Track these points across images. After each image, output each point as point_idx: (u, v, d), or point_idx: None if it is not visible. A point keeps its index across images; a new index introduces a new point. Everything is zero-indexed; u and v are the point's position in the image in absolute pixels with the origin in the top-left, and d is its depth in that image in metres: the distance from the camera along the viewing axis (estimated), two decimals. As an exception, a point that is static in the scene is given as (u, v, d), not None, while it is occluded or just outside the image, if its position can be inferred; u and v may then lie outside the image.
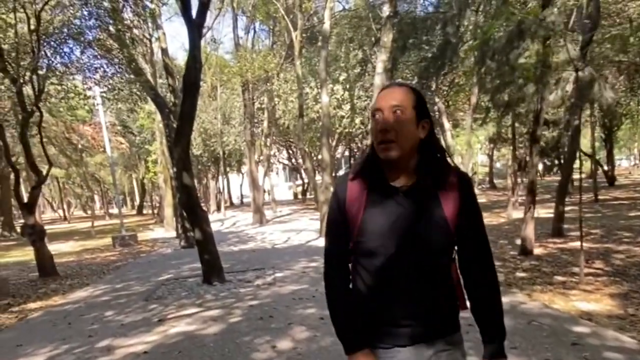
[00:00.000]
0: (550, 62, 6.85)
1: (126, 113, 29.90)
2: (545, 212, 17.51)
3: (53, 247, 18.71)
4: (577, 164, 10.29)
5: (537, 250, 9.01)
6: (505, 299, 5.65)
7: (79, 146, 23.38)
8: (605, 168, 28.62)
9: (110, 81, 12.43)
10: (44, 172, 11.19)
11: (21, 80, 10.16)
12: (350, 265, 1.64)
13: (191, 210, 8.14)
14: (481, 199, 25.20)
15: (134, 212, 49.52)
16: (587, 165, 35.49)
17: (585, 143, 27.71)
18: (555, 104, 7.30)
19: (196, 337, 5.06)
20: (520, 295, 5.90)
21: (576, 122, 8.61)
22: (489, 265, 1.59)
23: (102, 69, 12.35)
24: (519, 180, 21.75)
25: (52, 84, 11.95)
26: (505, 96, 8.11)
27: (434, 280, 1.51)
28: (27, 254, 16.89)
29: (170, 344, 4.92)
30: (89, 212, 53.17)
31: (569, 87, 6.77)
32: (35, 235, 10.18)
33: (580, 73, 6.46)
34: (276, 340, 4.72)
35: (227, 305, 6.40)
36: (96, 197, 60.09)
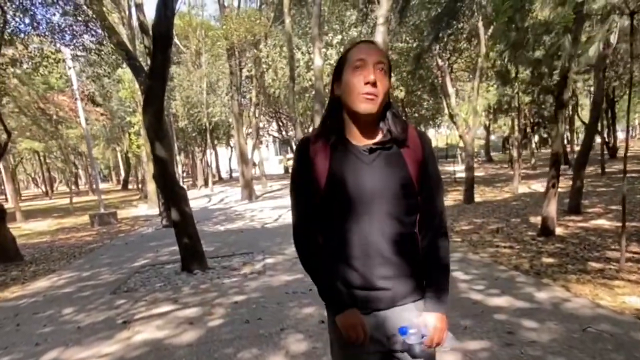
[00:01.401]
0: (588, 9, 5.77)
1: (108, 82, 28.45)
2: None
3: (29, 226, 17.76)
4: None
5: (558, 230, 8.04)
6: (542, 295, 4.67)
7: (55, 117, 21.87)
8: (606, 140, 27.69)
9: (79, 40, 11.11)
10: (6, 144, 9.96)
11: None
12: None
13: (166, 187, 7.02)
14: (479, 173, 24.32)
15: (119, 187, 48.18)
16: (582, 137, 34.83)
17: (584, 114, 26.86)
18: (591, 60, 6.18)
19: (165, 349, 4.02)
20: (557, 288, 4.91)
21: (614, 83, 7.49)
22: (442, 221, 1.62)
23: (71, 27, 11.04)
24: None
25: (9, 44, 10.65)
26: (534, 52, 7.02)
27: (404, 240, 1.53)
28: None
29: (131, 358, 3.89)
30: (73, 187, 51.85)
31: (613, 38, 5.68)
32: (-6, 216, 9.06)
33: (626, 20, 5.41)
34: (266, 355, 3.70)
35: (207, 302, 5.37)
36: (81, 172, 58.44)
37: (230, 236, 10.40)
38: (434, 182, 1.59)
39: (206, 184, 32.80)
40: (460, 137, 14.18)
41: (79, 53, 12.21)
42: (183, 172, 49.13)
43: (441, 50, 14.06)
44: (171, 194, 6.98)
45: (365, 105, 1.45)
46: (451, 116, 14.35)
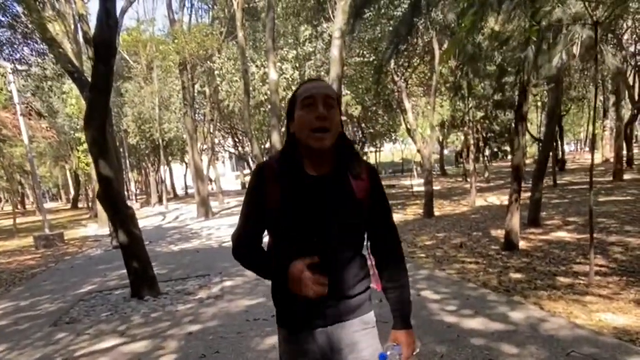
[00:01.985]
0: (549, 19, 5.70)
1: (55, 98, 27.26)
2: (504, 198, 16.81)
3: (-34, 250, 16.54)
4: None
5: (522, 244, 7.95)
6: (517, 315, 4.37)
7: (-5, 135, 20.72)
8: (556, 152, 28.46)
9: (19, 54, 10.44)
10: None
11: None
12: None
13: (112, 207, 6.46)
14: (435, 186, 24.37)
15: (69, 205, 46.19)
16: (532, 150, 35.82)
17: (532, 128, 27.59)
18: (552, 72, 6.12)
19: (109, 392, 3.55)
20: (531, 307, 4.71)
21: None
22: (397, 243, 1.75)
23: (9, 40, 10.36)
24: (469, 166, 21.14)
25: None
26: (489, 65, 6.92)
27: (351, 261, 1.62)
28: None
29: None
30: (20, 207, 49.41)
31: (576, 49, 5.60)
32: None
33: (587, 31, 5.34)
34: (224, 396, 3.29)
35: (158, 333, 4.89)
36: (29, 191, 55.82)
37: (185, 257, 9.86)
38: (384, 208, 1.71)
39: (160, 201, 31.81)
40: (418, 151, 14.15)
41: (19, 67, 11.45)
42: (136, 189, 47.70)
43: (396, 67, 13.99)
44: (117, 214, 6.44)
45: (317, 142, 1.52)
46: (408, 131, 14.31)
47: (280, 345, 1.71)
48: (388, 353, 1.59)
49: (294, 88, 16.82)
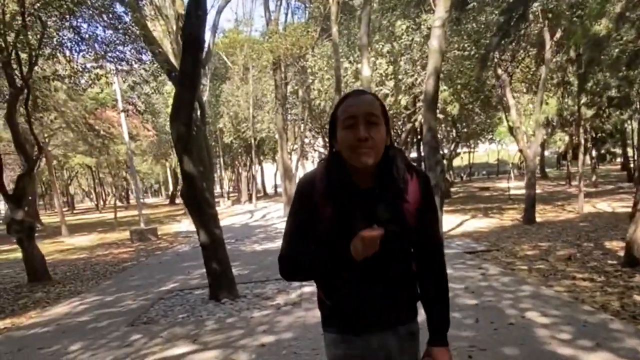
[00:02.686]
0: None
1: (157, 98, 28.56)
2: (616, 205, 15.18)
3: (73, 240, 17.63)
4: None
5: (645, 260, 6.84)
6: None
7: (102, 133, 21.91)
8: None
9: (117, 53, 10.74)
10: (37, 158, 9.58)
11: (8, 51, 8.58)
12: None
13: (194, 206, 6.26)
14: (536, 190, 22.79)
15: (168, 201, 48.59)
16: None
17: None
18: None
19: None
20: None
21: None
22: (441, 258, 1.70)
23: (108, 39, 10.69)
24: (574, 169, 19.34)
25: (49, 57, 10.36)
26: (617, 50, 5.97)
27: (398, 270, 1.59)
28: (42, 248, 15.64)
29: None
30: (124, 202, 52.77)
31: None
32: (23, 233, 8.63)
33: None
34: None
35: (230, 342, 4.55)
36: (133, 187, 59.59)
37: (267, 257, 9.60)
38: (431, 220, 1.65)
39: (250, 199, 32.41)
40: (521, 151, 13.02)
41: (120, 67, 11.81)
42: (229, 187, 49.18)
43: (500, 59, 12.88)
44: (200, 214, 6.24)
45: (362, 160, 1.47)
46: (511, 129, 13.21)
47: (329, 351, 1.67)
48: None
49: (387, 84, 16.40)
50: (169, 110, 22.19)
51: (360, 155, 1.46)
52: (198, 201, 6.24)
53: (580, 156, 14.67)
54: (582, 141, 15.52)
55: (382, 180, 1.55)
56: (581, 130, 15.43)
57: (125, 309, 6.27)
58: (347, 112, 1.49)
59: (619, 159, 41.64)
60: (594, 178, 24.04)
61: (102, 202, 51.89)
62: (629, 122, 24.44)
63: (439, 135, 8.66)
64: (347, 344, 1.61)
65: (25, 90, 8.93)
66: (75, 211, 47.26)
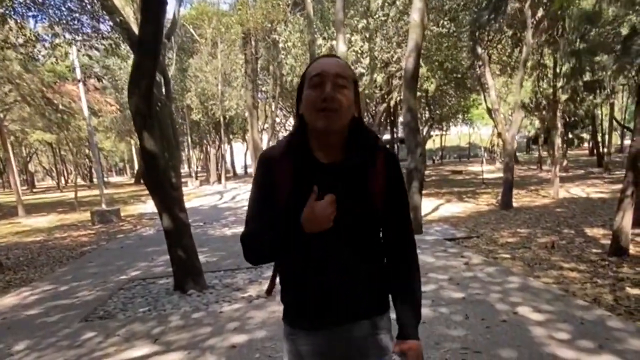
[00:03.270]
0: None
1: (120, 72, 27.36)
2: (590, 190, 15.18)
3: (30, 221, 16.71)
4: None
5: (631, 249, 6.62)
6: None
7: (61, 107, 20.78)
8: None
9: (74, 21, 9.93)
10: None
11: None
12: None
13: (156, 188, 5.65)
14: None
15: (132, 181, 47.28)
16: (614, 138, 33.08)
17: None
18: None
19: None
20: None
21: None
22: (410, 246, 1.57)
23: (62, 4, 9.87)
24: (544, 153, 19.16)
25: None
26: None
27: (361, 257, 1.49)
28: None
29: None
30: (87, 181, 51.15)
31: None
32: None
33: None
34: None
35: (196, 342, 4.07)
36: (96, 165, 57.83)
37: (237, 243, 8.90)
38: (399, 203, 1.54)
39: (219, 179, 31.68)
40: (499, 134, 12.75)
41: (76, 37, 10.95)
42: (197, 167, 48.21)
43: (479, 37, 12.46)
44: (162, 196, 5.67)
45: (322, 122, 1.40)
46: (489, 111, 12.91)
47: (286, 344, 1.60)
48: None
49: (362, 61, 15.88)
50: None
51: (323, 117, 1.38)
52: (160, 182, 5.64)
53: (558, 140, 14.53)
54: (559, 125, 15.31)
55: (347, 155, 1.46)
56: (558, 114, 15.20)
57: (80, 301, 5.69)
58: (315, 70, 1.42)
59: (585, 144, 42.39)
60: (564, 163, 24.21)
61: (63, 181, 50.26)
62: (599, 107, 24.59)
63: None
64: (304, 339, 1.53)
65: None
66: (35, 190, 45.57)
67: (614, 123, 25.18)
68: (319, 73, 1.40)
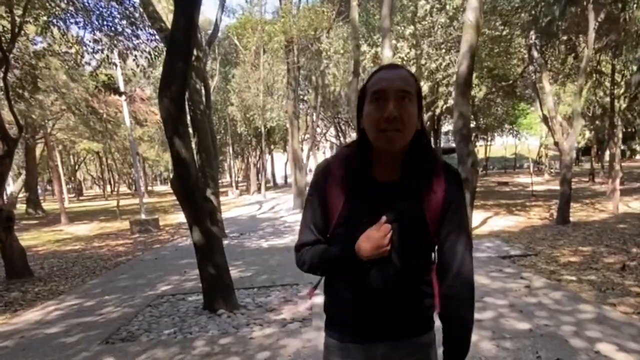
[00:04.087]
0: None
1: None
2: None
3: (71, 229, 16.80)
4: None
5: None
6: None
7: (105, 116, 21.01)
8: None
9: (116, 26, 9.85)
10: (17, 139, 8.67)
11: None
12: None
13: (185, 198, 5.23)
14: (555, 187, 21.69)
15: (176, 189, 47.79)
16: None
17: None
18: None
19: None
20: None
21: None
22: (465, 273, 1.42)
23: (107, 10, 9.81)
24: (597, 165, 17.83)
25: (42, 30, 9.54)
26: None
27: (409, 279, 1.41)
28: (37, 237, 14.89)
29: None
30: (131, 189, 52.10)
31: None
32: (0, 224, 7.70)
33: None
34: None
35: (221, 376, 3.58)
36: (142, 174, 58.92)
37: (273, 256, 8.61)
38: (456, 227, 1.42)
39: (259, 189, 31.53)
40: (556, 144, 11.89)
41: (117, 43, 10.88)
42: (238, 177, 48.42)
43: (536, 40, 11.62)
44: (192, 207, 5.24)
45: (384, 143, 1.33)
46: (545, 119, 12.07)
47: (326, 357, 1.54)
48: None
49: (409, 68, 15.08)
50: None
51: (387, 138, 1.31)
52: (191, 192, 5.20)
53: (617, 151, 13.55)
54: (619, 135, 14.26)
55: (405, 173, 1.39)
56: (619, 122, 14.17)
57: (104, 319, 5.31)
58: (377, 85, 1.34)
59: (638, 156, 40.46)
60: (620, 175, 22.84)
61: (109, 189, 51.34)
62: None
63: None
64: (345, 352, 1.47)
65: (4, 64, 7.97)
66: (81, 198, 46.67)
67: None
68: (381, 89, 1.32)
